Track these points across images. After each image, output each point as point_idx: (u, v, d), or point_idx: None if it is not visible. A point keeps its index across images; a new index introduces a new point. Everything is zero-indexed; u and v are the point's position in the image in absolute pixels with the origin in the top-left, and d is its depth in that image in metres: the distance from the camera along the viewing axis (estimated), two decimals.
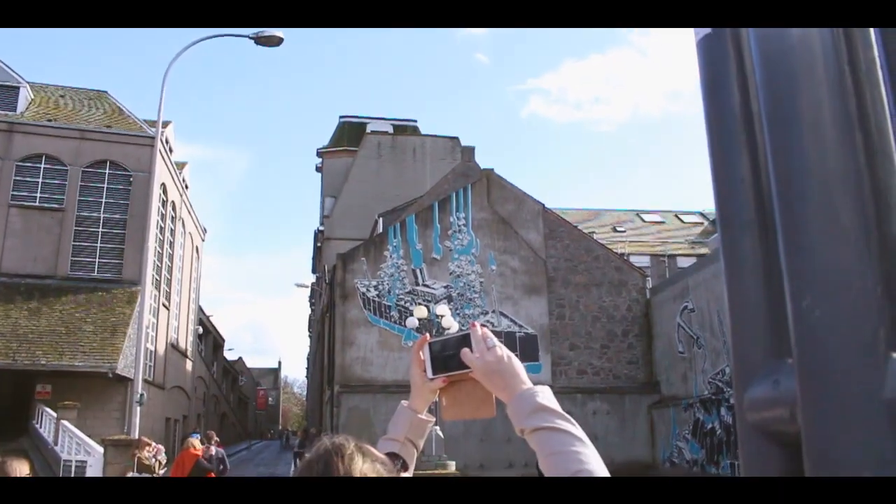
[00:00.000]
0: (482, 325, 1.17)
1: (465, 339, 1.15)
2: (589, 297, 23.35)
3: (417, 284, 22.52)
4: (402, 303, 22.11)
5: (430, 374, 1.17)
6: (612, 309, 23.42)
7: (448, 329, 16.65)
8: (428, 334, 1.23)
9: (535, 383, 1.11)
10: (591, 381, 22.66)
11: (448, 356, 1.16)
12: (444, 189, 24.49)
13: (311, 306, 52.31)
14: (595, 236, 27.81)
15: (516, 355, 1.15)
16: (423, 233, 22.99)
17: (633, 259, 28.34)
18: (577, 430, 1.01)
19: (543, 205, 24.17)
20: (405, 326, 20.05)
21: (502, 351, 1.13)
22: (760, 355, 0.65)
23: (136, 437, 12.83)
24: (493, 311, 22.62)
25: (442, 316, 16.79)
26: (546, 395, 1.06)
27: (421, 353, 1.20)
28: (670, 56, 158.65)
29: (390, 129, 40.23)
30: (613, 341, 23.17)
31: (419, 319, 17.19)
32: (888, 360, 0.52)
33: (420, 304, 19.84)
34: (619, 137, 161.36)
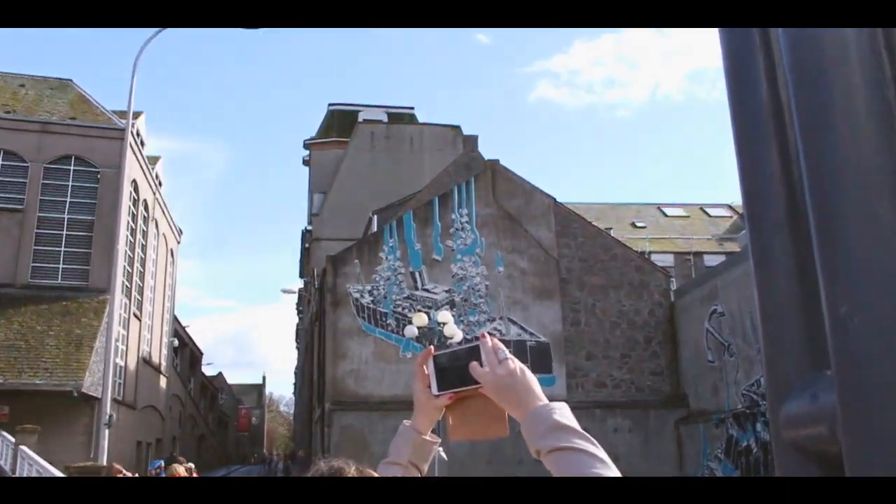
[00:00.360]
0: (492, 336, 1.19)
1: (473, 352, 1.16)
2: (607, 301, 23.36)
3: (417, 289, 22.54)
4: (400, 309, 22.13)
5: (435, 390, 1.19)
6: (633, 313, 23.42)
7: (451, 338, 16.64)
8: (433, 346, 1.24)
9: (549, 398, 1.12)
10: (610, 394, 22.66)
11: (455, 370, 1.17)
12: (444, 183, 24.51)
13: (298, 314, 52.30)
14: (612, 233, 27.80)
15: (526, 366, 1.17)
16: (423, 231, 23.01)
17: (654, 258, 28.34)
18: (598, 451, 1.03)
19: (554, 199, 24.19)
20: (403, 336, 20.04)
21: (515, 364, 1.14)
22: (796, 367, 0.66)
23: (105, 463, 12.85)
24: (501, 318, 22.64)
25: (444, 323, 16.78)
26: (563, 413, 1.08)
27: (425, 367, 1.21)
28: (691, 32, 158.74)
29: (384, 118, 40.24)
30: (635, 350, 23.18)
31: (419, 328, 17.19)
32: None
33: (420, 310, 19.83)
34: (636, 123, 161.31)
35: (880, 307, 0.56)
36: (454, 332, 16.58)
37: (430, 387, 1.20)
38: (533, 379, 1.14)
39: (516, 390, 1.12)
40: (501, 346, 1.16)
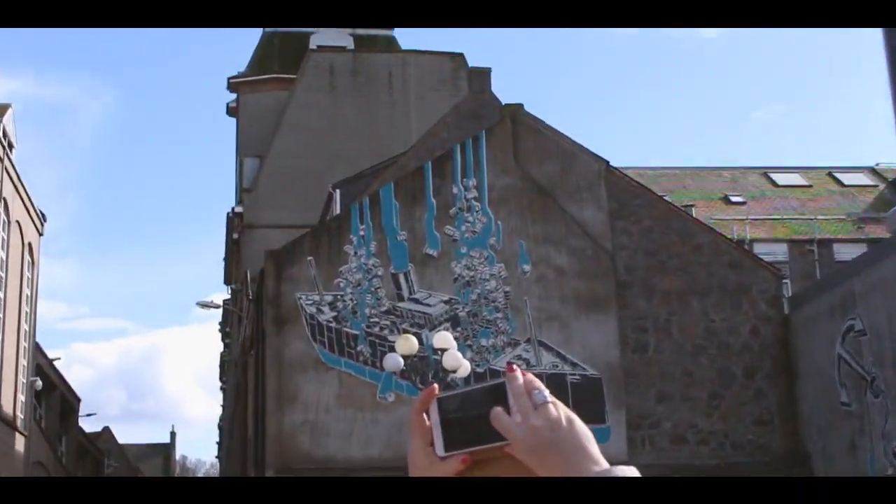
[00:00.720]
0: (521, 369, 1.20)
1: (496, 393, 1.17)
2: (687, 314, 23.37)
3: (402, 299, 22.55)
4: (377, 330, 22.14)
5: (440, 450, 1.20)
6: (727, 333, 23.44)
7: (454, 372, 16.67)
8: (436, 385, 1.25)
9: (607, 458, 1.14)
10: (694, 453, 22.70)
11: (470, 421, 1.18)
12: (441, 140, 24.48)
13: (224, 340, 52.31)
14: (694, 212, 27.80)
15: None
16: (409, 214, 23.01)
17: (758, 249, 28.34)
18: None
19: (607, 162, 24.19)
20: (382, 369, 20.07)
21: (559, 411, 1.16)
22: None
23: None
24: (528, 341, 22.66)
25: (443, 350, 16.81)
26: None
27: (425, 415, 1.22)
28: None
29: (349, 44, 40.16)
30: (730, 387, 23.21)
31: (405, 357, 17.21)
32: None
33: (406, 330, 19.85)
34: (726, 48, 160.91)
35: None
36: (458, 364, 16.60)
37: (432, 445, 1.21)
38: (585, 432, 1.16)
39: (560, 450, 1.13)
40: (539, 383, 1.17)
